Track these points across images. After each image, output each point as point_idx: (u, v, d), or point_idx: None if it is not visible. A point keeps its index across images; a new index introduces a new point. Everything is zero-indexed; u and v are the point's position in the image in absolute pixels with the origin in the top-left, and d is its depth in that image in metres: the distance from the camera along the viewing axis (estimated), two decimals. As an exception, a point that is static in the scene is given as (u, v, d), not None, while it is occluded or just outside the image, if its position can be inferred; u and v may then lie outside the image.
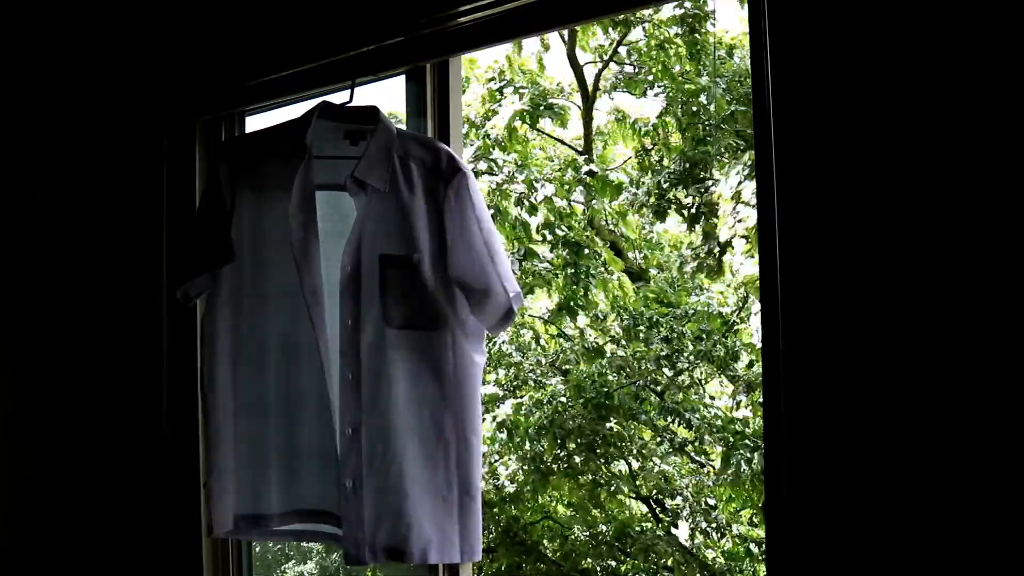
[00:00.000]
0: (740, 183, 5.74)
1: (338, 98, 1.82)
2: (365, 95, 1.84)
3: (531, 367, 6.20)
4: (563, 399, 5.75)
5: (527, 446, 5.77)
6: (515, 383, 6.21)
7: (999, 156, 1.20)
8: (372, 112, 1.76)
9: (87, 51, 2.39)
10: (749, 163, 5.39)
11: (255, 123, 2.20)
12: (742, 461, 5.45)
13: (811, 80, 1.35)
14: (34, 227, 2.36)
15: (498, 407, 6.07)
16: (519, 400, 6.05)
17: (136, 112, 2.30)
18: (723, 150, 5.65)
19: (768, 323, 1.39)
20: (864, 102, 1.30)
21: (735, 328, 6.27)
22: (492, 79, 6.21)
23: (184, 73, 2.19)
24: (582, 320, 6.05)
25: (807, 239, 1.34)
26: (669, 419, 5.87)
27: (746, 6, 1.46)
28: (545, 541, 6.46)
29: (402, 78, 1.90)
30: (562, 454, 5.74)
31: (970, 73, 1.22)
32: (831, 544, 1.31)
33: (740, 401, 6.09)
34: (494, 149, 5.88)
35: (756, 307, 6.26)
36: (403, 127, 1.86)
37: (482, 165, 5.81)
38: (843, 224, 1.31)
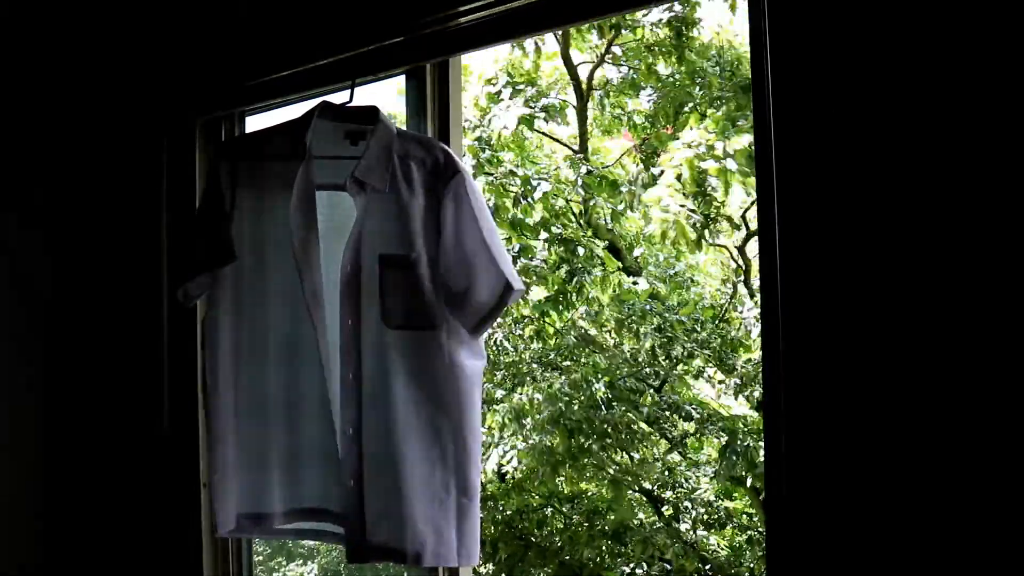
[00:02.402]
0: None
1: (338, 98, 1.82)
2: (365, 95, 1.85)
3: (531, 358, 6.20)
4: (566, 392, 5.74)
5: (535, 439, 5.74)
6: (515, 380, 6.21)
7: (999, 155, 1.20)
8: (372, 112, 1.76)
9: (87, 51, 2.39)
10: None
11: (255, 123, 2.20)
12: (738, 454, 5.45)
13: (811, 80, 1.35)
14: (34, 227, 2.36)
15: (499, 404, 6.07)
16: (521, 396, 6.06)
17: (136, 112, 2.30)
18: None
19: (768, 323, 1.39)
20: (864, 102, 1.30)
21: (726, 318, 6.30)
22: (491, 79, 6.20)
23: (184, 73, 2.19)
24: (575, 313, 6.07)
25: (807, 239, 1.34)
26: (667, 413, 5.87)
27: (745, 6, 1.46)
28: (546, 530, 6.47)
29: (402, 78, 1.90)
30: (573, 445, 5.70)
31: (971, 72, 1.22)
32: (831, 544, 1.31)
33: (727, 389, 6.10)
34: (487, 150, 5.89)
35: (747, 302, 6.28)
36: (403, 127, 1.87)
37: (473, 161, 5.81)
38: (843, 224, 1.31)
